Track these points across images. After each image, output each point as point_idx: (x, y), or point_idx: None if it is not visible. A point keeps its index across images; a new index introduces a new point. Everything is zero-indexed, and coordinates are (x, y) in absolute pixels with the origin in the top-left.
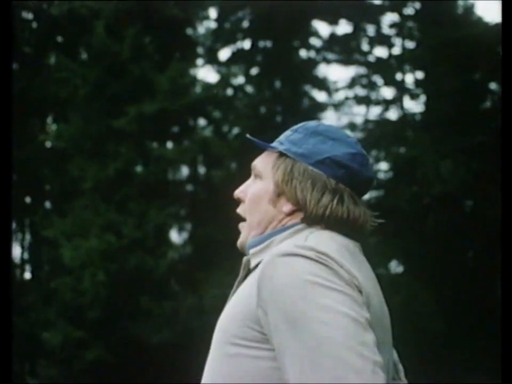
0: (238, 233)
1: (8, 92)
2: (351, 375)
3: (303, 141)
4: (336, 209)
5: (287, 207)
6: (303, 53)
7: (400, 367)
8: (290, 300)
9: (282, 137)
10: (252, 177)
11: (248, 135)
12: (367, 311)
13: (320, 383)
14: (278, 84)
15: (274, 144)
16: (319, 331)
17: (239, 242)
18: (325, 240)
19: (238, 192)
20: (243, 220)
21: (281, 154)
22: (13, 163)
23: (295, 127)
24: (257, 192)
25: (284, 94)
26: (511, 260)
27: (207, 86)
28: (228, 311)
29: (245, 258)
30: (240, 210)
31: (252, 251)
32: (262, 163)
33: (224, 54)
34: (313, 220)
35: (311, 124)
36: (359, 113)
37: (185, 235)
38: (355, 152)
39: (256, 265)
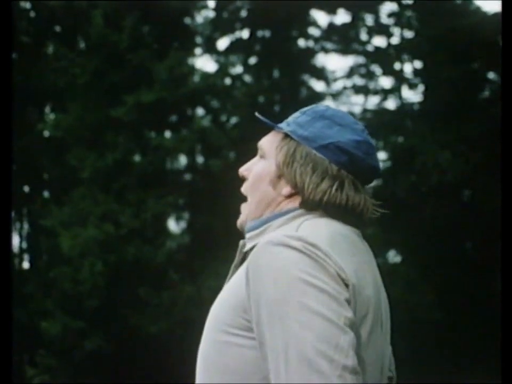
0: (235, 222)
1: (8, 83)
2: (316, 378)
3: (309, 124)
4: (334, 195)
5: (286, 189)
6: (301, 43)
7: (392, 359)
8: (273, 293)
9: (290, 118)
10: (257, 156)
11: (257, 114)
12: (349, 309)
13: (290, 382)
14: (276, 73)
15: (281, 124)
16: (293, 330)
17: (238, 222)
18: (319, 229)
19: (242, 170)
20: (245, 200)
21: (287, 136)
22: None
23: (304, 109)
24: (259, 171)
25: (282, 84)
26: (511, 252)
27: (205, 76)
28: (221, 297)
29: (241, 242)
30: (243, 189)
31: (248, 235)
32: (268, 142)
33: (223, 43)
34: (310, 204)
35: (320, 107)
36: (357, 102)
37: (183, 224)
38: (360, 139)
39: (251, 250)
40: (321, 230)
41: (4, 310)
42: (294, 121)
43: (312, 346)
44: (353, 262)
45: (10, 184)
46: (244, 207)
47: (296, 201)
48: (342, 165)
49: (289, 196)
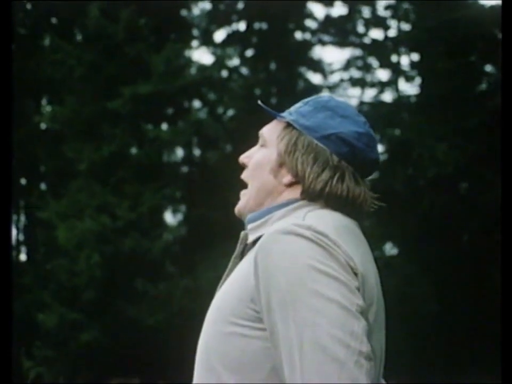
0: (232, 215)
1: (8, 80)
2: (333, 365)
3: (311, 114)
4: (335, 186)
5: (287, 178)
6: (298, 35)
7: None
8: (284, 281)
9: (292, 108)
10: (258, 144)
11: (260, 102)
12: (360, 297)
13: (305, 369)
14: (273, 65)
15: (284, 114)
16: (307, 317)
17: (236, 209)
18: (324, 219)
19: (243, 157)
20: (245, 187)
21: (289, 125)
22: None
23: (307, 99)
24: (260, 159)
25: (279, 76)
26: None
27: (202, 68)
28: (225, 288)
29: (242, 233)
30: (243, 175)
31: (250, 226)
32: (269, 131)
33: (219, 35)
34: (311, 195)
35: (324, 98)
36: (354, 95)
37: (180, 217)
38: (362, 131)
39: (255, 242)
40: (327, 220)
41: (4, 306)
42: (296, 111)
43: (328, 333)
44: (358, 252)
45: (10, 184)
46: (244, 194)
47: (296, 191)
48: (343, 156)
49: (290, 185)
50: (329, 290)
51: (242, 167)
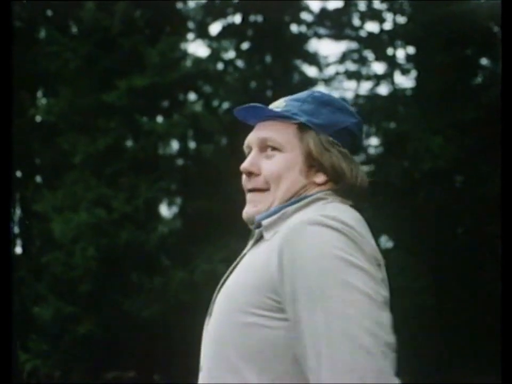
0: (227, 207)
1: (8, 77)
2: (361, 355)
3: (317, 112)
4: (362, 178)
5: (320, 178)
6: (294, 28)
7: None
8: (312, 272)
9: (290, 106)
10: (256, 149)
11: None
12: (385, 288)
13: (331, 358)
14: (268, 58)
15: (286, 113)
16: (335, 308)
17: (251, 212)
18: (344, 211)
19: (249, 166)
20: (255, 191)
21: (301, 125)
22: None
23: (299, 96)
24: (285, 164)
25: (274, 69)
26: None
27: (197, 60)
28: (238, 280)
29: (257, 231)
30: (253, 183)
31: (265, 222)
32: (281, 135)
33: (215, 28)
34: (348, 189)
35: (316, 93)
36: (349, 88)
37: (175, 209)
38: (358, 120)
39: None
40: (347, 212)
41: (4, 305)
42: (299, 109)
43: (357, 324)
44: (375, 244)
45: (10, 184)
46: (261, 198)
47: (327, 187)
48: (348, 147)
49: (323, 183)
50: (358, 281)
51: (248, 174)
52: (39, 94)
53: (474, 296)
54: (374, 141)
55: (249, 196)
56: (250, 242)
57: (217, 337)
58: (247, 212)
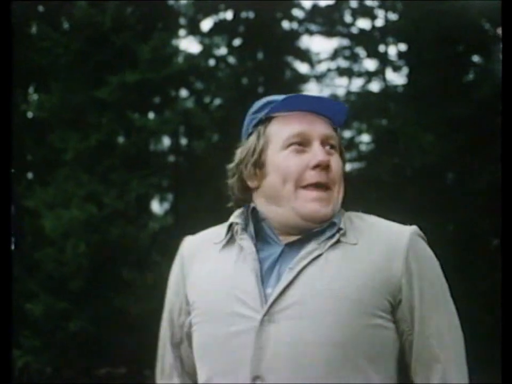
0: (218, 204)
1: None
2: (463, 341)
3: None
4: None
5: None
6: (285, 24)
7: None
8: (435, 279)
9: (336, 105)
10: (318, 142)
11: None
12: None
13: (455, 347)
14: (260, 55)
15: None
16: (452, 308)
17: (323, 214)
18: None
19: (328, 160)
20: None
21: (336, 130)
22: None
23: (322, 96)
24: (340, 166)
25: (266, 65)
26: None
27: (189, 57)
28: (355, 282)
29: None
30: (326, 178)
31: (351, 226)
32: (335, 136)
33: (207, 24)
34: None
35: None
36: (341, 84)
37: (166, 206)
38: None
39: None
40: None
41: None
42: (340, 111)
43: (457, 317)
44: None
45: (10, 183)
46: (328, 197)
47: None
48: None
49: None
50: None
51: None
52: (31, 90)
53: (466, 292)
54: (365, 138)
55: (315, 194)
56: (311, 246)
57: (338, 339)
58: (320, 211)
